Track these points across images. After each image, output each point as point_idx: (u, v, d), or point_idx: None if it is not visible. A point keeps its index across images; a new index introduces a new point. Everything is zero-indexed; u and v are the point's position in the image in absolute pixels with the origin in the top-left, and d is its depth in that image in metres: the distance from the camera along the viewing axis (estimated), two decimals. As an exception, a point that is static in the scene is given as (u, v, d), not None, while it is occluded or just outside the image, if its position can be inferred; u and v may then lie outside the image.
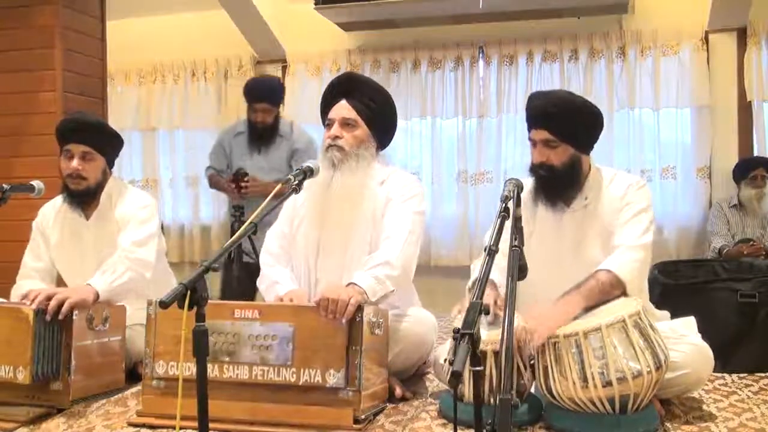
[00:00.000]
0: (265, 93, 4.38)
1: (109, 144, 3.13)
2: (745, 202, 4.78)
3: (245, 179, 4.34)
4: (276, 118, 4.45)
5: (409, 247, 2.72)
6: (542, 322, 2.32)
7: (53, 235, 3.16)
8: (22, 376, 2.57)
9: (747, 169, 4.81)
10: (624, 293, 2.44)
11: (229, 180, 4.43)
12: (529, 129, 2.63)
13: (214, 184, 4.70)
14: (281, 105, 4.55)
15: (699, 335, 2.49)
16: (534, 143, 2.62)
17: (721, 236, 4.75)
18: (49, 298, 2.65)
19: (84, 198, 3.08)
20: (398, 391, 2.68)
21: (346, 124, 2.79)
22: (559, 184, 2.62)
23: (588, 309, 2.40)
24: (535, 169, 2.62)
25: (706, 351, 2.42)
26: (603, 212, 2.62)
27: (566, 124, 2.54)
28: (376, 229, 2.78)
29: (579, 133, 2.58)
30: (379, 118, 2.86)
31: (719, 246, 4.68)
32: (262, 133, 4.43)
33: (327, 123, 2.86)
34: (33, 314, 2.60)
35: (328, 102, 2.89)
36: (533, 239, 2.40)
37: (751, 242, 4.61)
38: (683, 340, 2.43)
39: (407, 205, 2.79)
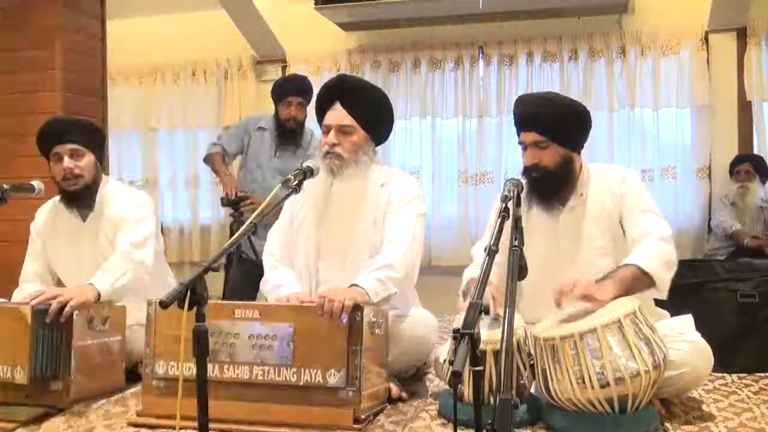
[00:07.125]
0: (303, 87, 4.23)
1: (92, 137, 3.10)
2: (733, 198, 4.86)
3: (245, 203, 4.22)
4: (303, 122, 4.30)
5: (411, 250, 2.71)
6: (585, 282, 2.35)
7: (50, 237, 3.15)
8: (20, 376, 2.57)
9: (734, 164, 4.91)
10: (652, 285, 2.44)
11: (224, 205, 4.34)
12: (519, 132, 2.65)
13: (211, 163, 4.47)
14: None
15: (698, 333, 2.48)
16: (524, 146, 2.63)
17: (732, 221, 4.81)
18: (51, 299, 2.65)
19: (82, 198, 3.06)
20: (395, 391, 2.68)
21: (342, 131, 2.75)
22: (553, 185, 2.63)
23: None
24: (527, 172, 2.62)
25: (705, 348, 2.42)
26: (602, 200, 2.63)
27: (554, 124, 2.57)
28: (377, 232, 2.77)
29: (568, 132, 2.60)
30: (376, 119, 2.84)
31: (736, 229, 4.74)
32: (289, 132, 4.26)
33: (324, 129, 2.81)
34: (31, 314, 2.59)
35: (323, 105, 2.83)
36: (529, 241, 2.40)
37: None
38: (681, 338, 2.42)
39: (408, 208, 2.78)
